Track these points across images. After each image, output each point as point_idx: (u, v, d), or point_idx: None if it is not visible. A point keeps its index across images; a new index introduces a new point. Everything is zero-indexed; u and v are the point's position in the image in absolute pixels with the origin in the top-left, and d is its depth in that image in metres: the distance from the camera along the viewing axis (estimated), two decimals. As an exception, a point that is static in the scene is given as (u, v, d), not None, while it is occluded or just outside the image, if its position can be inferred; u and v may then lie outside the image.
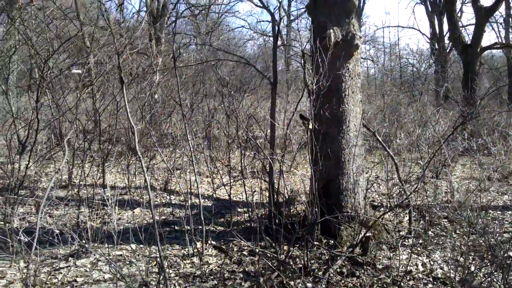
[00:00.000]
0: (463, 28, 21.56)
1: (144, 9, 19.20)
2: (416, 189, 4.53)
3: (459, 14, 22.74)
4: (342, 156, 4.55)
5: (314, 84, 4.09)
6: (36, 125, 4.75)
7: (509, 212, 5.79)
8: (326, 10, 4.56)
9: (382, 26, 31.36)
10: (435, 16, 21.16)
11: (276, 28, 4.71)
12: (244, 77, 13.27)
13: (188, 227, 4.31)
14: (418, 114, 9.91)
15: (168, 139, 7.79)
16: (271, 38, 25.80)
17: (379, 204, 6.15)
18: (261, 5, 5.17)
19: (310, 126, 4.12)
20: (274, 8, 22.19)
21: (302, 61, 4.08)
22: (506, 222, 5.41)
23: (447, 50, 20.61)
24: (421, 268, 4.03)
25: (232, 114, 5.21)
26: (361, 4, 22.87)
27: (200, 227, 4.43)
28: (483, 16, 12.75)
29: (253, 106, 9.32)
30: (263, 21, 25.91)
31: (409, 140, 7.67)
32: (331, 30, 4.41)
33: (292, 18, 25.98)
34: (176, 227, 5.19)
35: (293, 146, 7.52)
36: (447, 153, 5.62)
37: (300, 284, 3.60)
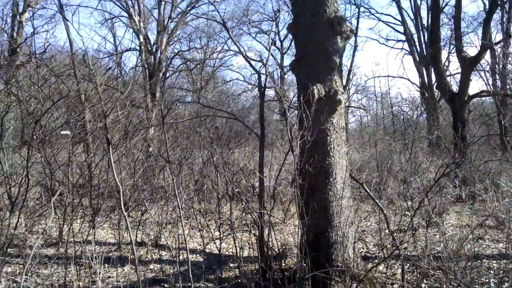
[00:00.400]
0: (451, 77, 22.26)
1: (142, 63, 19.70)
2: (403, 241, 4.51)
3: (446, 63, 23.55)
4: (330, 209, 4.57)
5: (299, 139, 4.19)
6: (26, 183, 4.79)
7: (504, 261, 5.72)
8: (309, 68, 4.76)
9: (373, 76, 32.32)
10: (423, 66, 21.86)
11: (262, 85, 4.88)
12: (236, 129, 13.53)
13: (178, 285, 4.24)
14: (408, 163, 10.00)
15: (160, 192, 7.80)
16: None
17: (373, 255, 6.08)
18: (248, 63, 5.38)
19: (299, 180, 4.18)
20: (262, 64, 22.94)
21: (284, 119, 4.20)
22: (501, 272, 5.33)
23: (437, 98, 21.12)
24: (413, 323, 3.94)
25: (222, 168, 5.29)
26: (350, 60, 23.70)
27: (190, 284, 4.35)
28: (468, 66, 13.21)
29: (246, 157, 9.42)
30: (257, 73, 26.48)
31: (400, 189, 7.71)
32: (314, 87, 4.58)
33: (285, 70, 26.74)
34: (166, 285, 5.09)
35: (285, 198, 7.54)
36: (429, 203, 5.63)
37: None
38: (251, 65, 5.16)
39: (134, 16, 16.52)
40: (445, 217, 7.19)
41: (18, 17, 16.82)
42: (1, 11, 17.20)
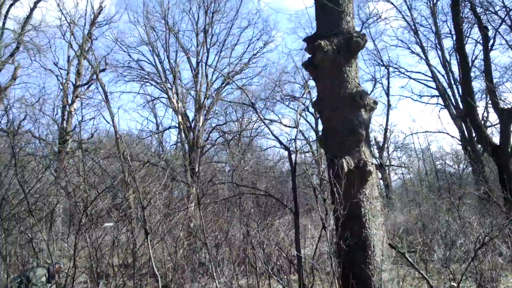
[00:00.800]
0: (493, 127, 21.61)
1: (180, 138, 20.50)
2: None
3: (485, 114, 23.01)
4: (372, 284, 4.45)
5: (332, 214, 4.23)
6: (73, 272, 5.01)
7: None
8: (336, 142, 4.89)
9: (411, 133, 31.81)
10: (461, 120, 21.44)
11: (293, 161, 5.03)
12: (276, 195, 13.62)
13: None
14: (456, 223, 9.60)
15: (202, 269, 7.82)
16: (304, 155, 26.67)
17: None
18: (277, 140, 5.56)
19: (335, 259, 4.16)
20: (290, 141, 23.26)
21: (315, 196, 4.27)
22: None
23: (480, 151, 20.42)
24: None
25: (259, 246, 5.33)
26: (384, 119, 23.69)
27: None
28: (506, 117, 12.87)
29: (286, 228, 9.34)
30: (293, 139, 26.87)
31: (448, 254, 7.34)
32: (343, 160, 4.68)
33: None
34: None
35: (329, 269, 7.34)
36: (476, 269, 5.32)
37: None
38: (280, 143, 5.36)
39: (172, 98, 17.56)
40: (500, 279, 6.71)
41: (67, 107, 18.33)
42: (52, 103, 18.81)
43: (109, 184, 6.65)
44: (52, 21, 31.62)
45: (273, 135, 5.45)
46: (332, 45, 4.96)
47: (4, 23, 17.18)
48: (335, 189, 4.40)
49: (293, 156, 5.10)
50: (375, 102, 5.11)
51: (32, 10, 18.21)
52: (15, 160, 5.87)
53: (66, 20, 18.00)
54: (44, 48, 18.38)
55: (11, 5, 17.68)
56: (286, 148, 5.26)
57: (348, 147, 4.83)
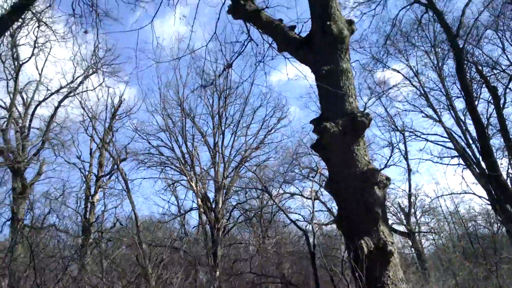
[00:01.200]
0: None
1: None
2: None
3: (510, 171, 22.30)
4: None
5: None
6: None
7: None
8: (353, 223, 4.80)
9: (436, 196, 30.76)
10: (485, 178, 20.87)
11: (312, 244, 4.92)
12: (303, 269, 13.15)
13: None
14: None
15: None
16: (330, 227, 26.01)
17: None
18: (294, 223, 5.45)
19: None
20: (311, 213, 22.98)
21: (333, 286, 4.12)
22: None
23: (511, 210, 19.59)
24: None
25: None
26: (407, 185, 23.26)
27: None
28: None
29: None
30: (318, 211, 26.58)
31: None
32: (362, 241, 4.56)
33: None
34: None
35: None
36: None
37: None
38: (297, 226, 5.29)
39: (191, 181, 17.75)
40: None
41: (90, 198, 18.69)
42: (75, 195, 19.21)
43: (129, 278, 6.55)
44: (75, 117, 33.21)
45: (289, 218, 5.44)
46: (338, 126, 5.06)
47: (30, 124, 18.18)
48: (356, 274, 4.24)
49: (310, 239, 5.01)
50: (388, 178, 5.06)
51: (56, 108, 19.34)
52: (33, 263, 5.88)
53: (88, 116, 18.93)
54: (67, 143, 19.20)
55: (36, 106, 18.86)
56: (303, 230, 5.18)
57: (366, 227, 4.72)
